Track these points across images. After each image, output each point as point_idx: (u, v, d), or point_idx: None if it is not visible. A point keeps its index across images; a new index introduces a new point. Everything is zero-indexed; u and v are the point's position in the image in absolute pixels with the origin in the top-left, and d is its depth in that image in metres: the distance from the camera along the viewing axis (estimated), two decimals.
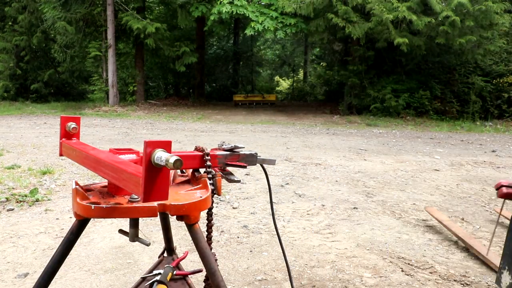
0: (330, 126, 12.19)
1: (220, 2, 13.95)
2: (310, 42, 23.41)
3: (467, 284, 2.42)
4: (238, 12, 14.03)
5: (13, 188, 4.25)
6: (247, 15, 14.18)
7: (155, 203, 1.09)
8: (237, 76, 24.95)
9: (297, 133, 10.09)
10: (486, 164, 6.25)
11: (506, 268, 1.85)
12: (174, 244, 1.91)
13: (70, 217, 3.44)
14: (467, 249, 2.92)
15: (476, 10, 11.27)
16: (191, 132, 9.63)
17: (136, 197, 1.11)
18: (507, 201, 4.28)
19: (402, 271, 2.59)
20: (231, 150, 1.36)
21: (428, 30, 12.00)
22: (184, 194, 1.21)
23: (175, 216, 1.15)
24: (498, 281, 1.92)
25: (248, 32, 14.43)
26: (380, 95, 14.09)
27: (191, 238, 1.19)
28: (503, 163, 6.39)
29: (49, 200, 3.92)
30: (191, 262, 2.62)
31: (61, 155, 1.42)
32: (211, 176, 1.25)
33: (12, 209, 3.62)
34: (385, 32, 12.18)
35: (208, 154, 1.25)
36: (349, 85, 15.22)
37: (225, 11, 13.84)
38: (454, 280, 2.47)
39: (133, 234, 1.18)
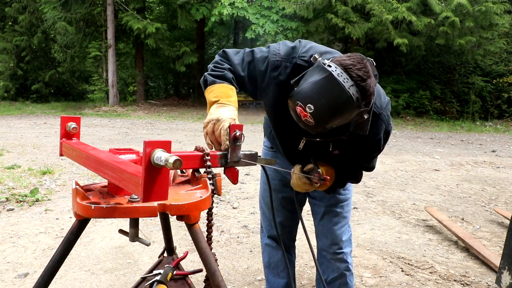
0: None
1: (221, 3, 13.94)
2: None
3: (467, 284, 2.42)
4: (238, 14, 14.02)
5: (13, 188, 4.25)
6: (248, 17, 14.16)
7: (155, 203, 1.09)
8: None
9: None
10: (486, 164, 6.25)
11: (506, 268, 1.85)
12: (174, 244, 1.91)
13: (70, 217, 3.44)
14: (467, 249, 2.92)
15: (476, 10, 11.26)
16: (191, 132, 9.64)
17: (136, 197, 1.11)
18: (507, 201, 4.29)
19: (402, 271, 2.59)
20: None
21: (428, 30, 11.99)
22: (184, 194, 1.21)
23: (175, 216, 1.15)
24: (498, 281, 1.92)
25: (249, 35, 14.43)
26: None
27: (191, 238, 1.19)
28: (503, 163, 6.39)
29: (49, 200, 3.92)
30: (191, 262, 2.62)
31: (61, 155, 1.42)
32: (211, 176, 1.25)
33: (12, 209, 3.62)
34: (385, 33, 12.17)
35: (208, 154, 1.25)
36: None
37: (226, 13, 13.82)
38: (454, 280, 2.47)
39: (133, 234, 1.18)
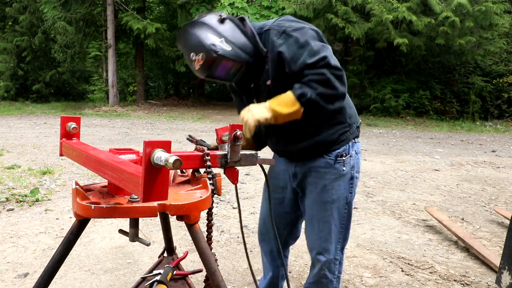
0: None
1: (221, 4, 13.94)
2: None
3: (467, 284, 2.42)
4: (239, 14, 14.03)
5: (13, 188, 4.25)
6: (248, 18, 14.20)
7: (155, 203, 1.09)
8: None
9: None
10: (486, 164, 6.25)
11: (506, 268, 1.85)
12: (174, 244, 1.91)
13: (70, 217, 3.44)
14: (467, 249, 2.92)
15: (476, 10, 11.26)
16: (191, 132, 9.63)
17: (136, 197, 1.11)
18: (507, 201, 4.29)
19: (402, 271, 2.59)
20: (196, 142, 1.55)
21: (428, 30, 11.99)
22: (184, 194, 1.21)
23: (175, 216, 1.15)
24: (498, 281, 1.92)
25: None
26: (380, 95, 14.08)
27: (191, 238, 1.19)
28: (503, 163, 6.39)
29: (49, 200, 3.92)
30: (191, 262, 2.62)
31: (61, 155, 1.42)
32: (211, 176, 1.25)
33: (12, 209, 3.62)
34: (385, 32, 12.17)
35: (208, 154, 1.25)
36: (349, 85, 15.20)
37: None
38: (454, 280, 2.47)
39: (133, 234, 1.18)
